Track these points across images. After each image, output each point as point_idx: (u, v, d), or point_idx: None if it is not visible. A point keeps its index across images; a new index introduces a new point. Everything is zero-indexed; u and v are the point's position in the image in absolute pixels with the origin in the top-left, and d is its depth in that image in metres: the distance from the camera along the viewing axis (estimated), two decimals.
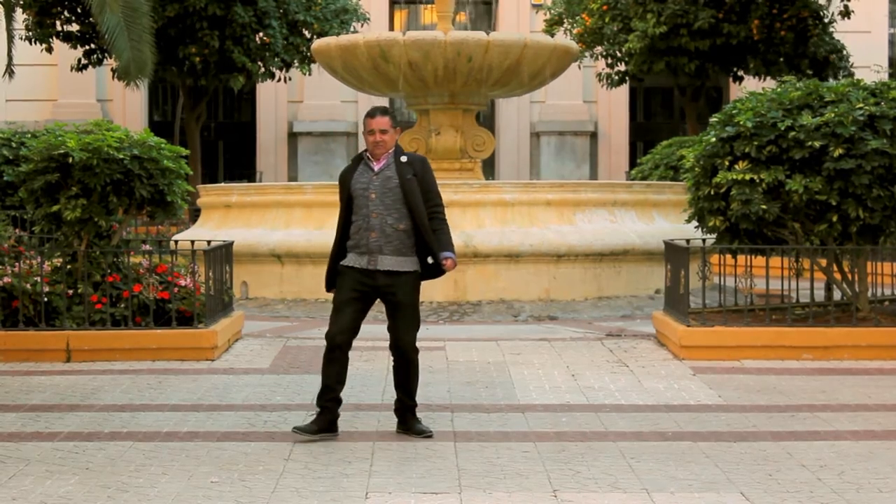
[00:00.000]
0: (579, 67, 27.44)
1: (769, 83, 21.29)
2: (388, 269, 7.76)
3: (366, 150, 7.94)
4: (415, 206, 7.74)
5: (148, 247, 12.41)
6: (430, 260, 7.83)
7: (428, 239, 7.77)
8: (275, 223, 15.44)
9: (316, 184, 16.76)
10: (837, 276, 12.00)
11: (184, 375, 10.33)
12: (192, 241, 12.20)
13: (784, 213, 11.41)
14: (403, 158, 7.84)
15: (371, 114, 7.92)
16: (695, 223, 12.20)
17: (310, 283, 14.48)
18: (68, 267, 11.56)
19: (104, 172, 11.30)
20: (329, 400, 7.78)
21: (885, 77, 20.19)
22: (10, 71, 16.89)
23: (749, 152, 11.29)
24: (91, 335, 11.17)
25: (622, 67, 25.88)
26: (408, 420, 7.95)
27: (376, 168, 7.84)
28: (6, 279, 11.40)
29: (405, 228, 7.77)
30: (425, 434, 7.82)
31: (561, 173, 29.99)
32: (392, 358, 7.99)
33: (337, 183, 8.19)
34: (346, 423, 8.21)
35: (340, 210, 7.93)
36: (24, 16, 23.95)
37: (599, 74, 26.66)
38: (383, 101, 29.63)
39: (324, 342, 7.91)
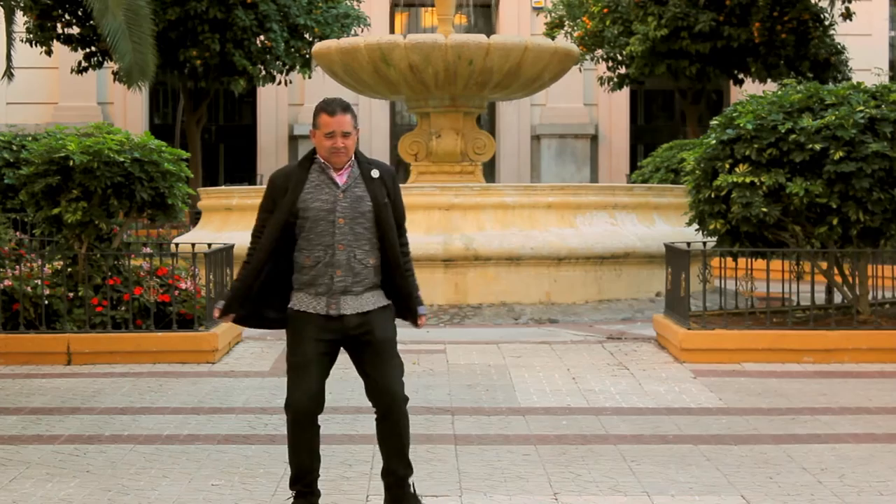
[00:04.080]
0: (580, 70, 27.45)
1: (769, 86, 21.28)
2: (355, 311, 5.97)
3: (315, 154, 6.05)
4: (389, 241, 5.99)
5: (148, 250, 12.41)
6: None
7: (403, 284, 6.06)
8: None
9: None
10: (838, 278, 12.00)
11: (184, 378, 10.33)
12: (193, 244, 12.20)
13: (784, 216, 11.41)
14: (375, 173, 6.00)
15: (329, 109, 5.95)
16: (695, 226, 12.20)
17: None
18: (69, 270, 11.56)
19: (105, 175, 11.31)
20: (307, 484, 6.09)
21: (885, 80, 20.19)
22: (9, 73, 16.90)
23: (749, 155, 11.29)
24: (92, 338, 11.17)
25: (623, 70, 25.88)
26: (404, 500, 6.14)
27: (341, 182, 5.97)
28: (7, 282, 11.41)
29: (375, 264, 5.99)
30: None
31: (561, 176, 29.99)
32: (375, 414, 6.08)
33: None
34: (346, 426, 8.21)
35: (267, 226, 6.01)
36: (25, 18, 23.95)
37: (600, 77, 26.66)
38: (384, 105, 29.68)
39: None
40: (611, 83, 26.27)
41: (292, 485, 6.10)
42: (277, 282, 6.02)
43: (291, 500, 6.14)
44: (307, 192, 5.95)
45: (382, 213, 5.96)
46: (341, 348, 6.08)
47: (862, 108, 11.22)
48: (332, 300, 5.94)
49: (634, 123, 31.73)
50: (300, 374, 5.96)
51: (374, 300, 6.01)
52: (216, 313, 6.14)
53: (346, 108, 5.96)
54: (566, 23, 26.32)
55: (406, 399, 6.03)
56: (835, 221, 11.28)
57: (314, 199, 5.94)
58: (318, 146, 5.99)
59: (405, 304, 6.09)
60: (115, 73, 22.40)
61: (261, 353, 11.72)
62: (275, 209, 6.00)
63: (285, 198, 5.96)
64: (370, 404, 6.02)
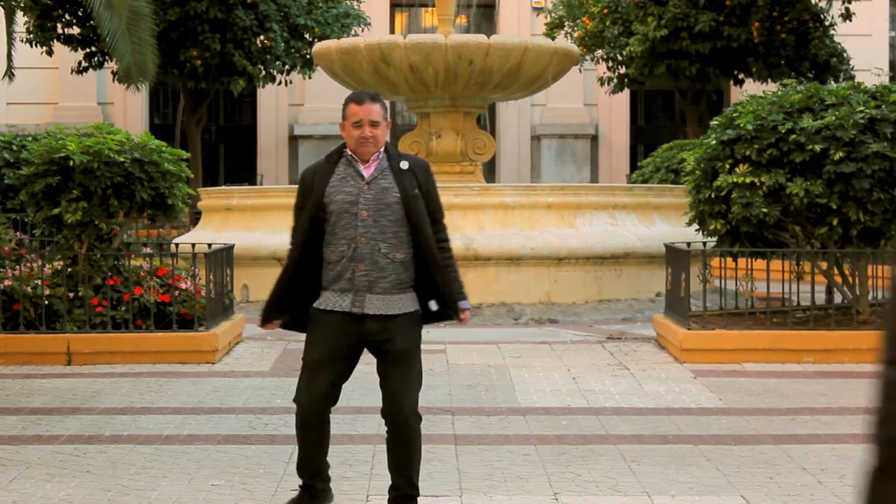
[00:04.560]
0: (580, 71, 27.44)
1: (770, 86, 21.29)
2: (379, 312, 5.77)
3: (344, 147, 5.90)
4: (423, 233, 5.76)
5: (148, 250, 12.41)
6: (433, 306, 5.92)
7: (440, 280, 5.81)
8: (276, 226, 15.43)
9: None
10: (838, 279, 12.00)
11: (184, 378, 10.33)
12: (193, 244, 12.21)
13: (785, 217, 11.41)
14: (404, 164, 5.81)
15: (357, 99, 5.83)
16: (695, 226, 12.20)
17: None
18: (69, 270, 11.56)
19: (105, 175, 11.31)
20: (313, 476, 6.09)
21: (885, 80, 20.20)
22: (10, 73, 16.90)
23: (750, 155, 11.30)
24: (92, 338, 11.17)
25: (623, 70, 25.89)
26: None
27: (367, 174, 5.79)
28: (7, 282, 11.41)
29: (403, 259, 5.76)
30: None
31: (561, 176, 29.99)
32: (385, 428, 5.98)
33: None
34: (347, 426, 8.21)
35: (299, 224, 5.94)
36: (25, 18, 23.96)
37: (600, 78, 26.67)
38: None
39: None
40: (611, 83, 26.26)
41: (298, 472, 6.12)
42: (316, 281, 5.85)
43: (297, 490, 6.18)
44: (332, 186, 5.79)
45: (411, 203, 5.74)
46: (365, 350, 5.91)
47: (862, 108, 11.23)
48: (357, 297, 5.73)
49: (634, 123, 31.73)
50: (312, 374, 5.84)
51: (401, 304, 5.79)
52: (258, 321, 5.98)
53: (374, 97, 5.85)
54: (566, 23, 26.32)
55: (417, 416, 5.85)
56: (835, 222, 11.28)
57: (338, 191, 5.77)
58: (346, 137, 5.85)
59: (444, 298, 5.85)
60: (114, 73, 22.40)
61: (261, 354, 11.72)
62: (304, 206, 5.89)
63: (313, 193, 5.83)
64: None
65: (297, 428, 5.98)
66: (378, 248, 5.72)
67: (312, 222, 5.81)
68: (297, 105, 30.44)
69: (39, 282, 11.42)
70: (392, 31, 30.81)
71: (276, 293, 5.92)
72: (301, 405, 5.89)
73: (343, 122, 5.87)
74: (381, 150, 5.84)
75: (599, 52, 25.86)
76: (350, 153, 5.84)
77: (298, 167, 30.35)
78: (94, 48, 24.70)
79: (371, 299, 5.74)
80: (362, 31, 25.40)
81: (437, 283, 5.82)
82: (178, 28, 23.50)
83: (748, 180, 11.22)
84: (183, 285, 11.67)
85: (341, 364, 5.85)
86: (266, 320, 5.95)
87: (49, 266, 11.81)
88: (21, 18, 23.08)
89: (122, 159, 11.34)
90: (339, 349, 5.80)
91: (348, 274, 5.74)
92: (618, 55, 25.35)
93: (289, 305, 5.91)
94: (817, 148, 11.13)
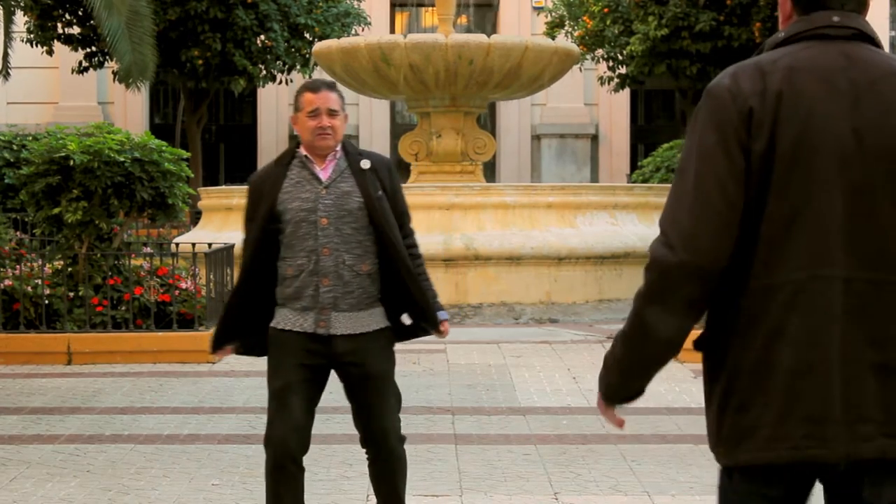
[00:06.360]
0: (580, 70, 27.43)
1: None
2: (348, 332, 5.11)
3: (297, 148, 5.24)
4: (390, 240, 5.11)
5: (149, 249, 12.41)
6: (406, 319, 5.19)
7: (415, 290, 5.14)
8: None
9: None
10: None
11: (185, 378, 10.34)
12: (193, 244, 12.20)
13: None
14: (365, 164, 5.14)
15: (313, 87, 5.17)
16: None
17: None
18: (69, 269, 11.57)
19: (105, 175, 11.31)
20: None
21: None
22: (6, 73, 16.90)
23: None
24: (92, 338, 11.18)
25: (623, 70, 25.90)
26: None
27: (324, 177, 5.13)
28: (7, 282, 11.41)
29: (370, 271, 5.10)
30: None
31: (562, 176, 29.98)
32: (367, 456, 5.31)
33: None
34: (346, 426, 8.19)
35: (249, 237, 5.22)
36: (25, 18, 23.96)
37: (601, 77, 26.68)
38: (384, 105, 29.69)
39: None
40: (611, 82, 26.27)
41: None
42: (271, 299, 5.21)
43: None
44: (285, 192, 5.12)
45: (376, 208, 5.07)
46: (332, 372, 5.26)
47: None
48: (322, 317, 5.07)
49: (634, 123, 31.71)
50: (283, 403, 5.08)
51: (370, 321, 5.13)
52: (209, 347, 5.44)
53: (331, 86, 5.19)
54: (567, 22, 26.32)
55: (402, 438, 5.23)
56: None
57: (293, 198, 5.10)
58: (301, 132, 5.15)
59: (420, 312, 5.18)
60: (114, 73, 22.40)
61: None
62: (255, 217, 5.20)
63: (263, 201, 5.17)
64: None
65: (268, 479, 5.08)
66: (342, 261, 5.06)
67: (264, 234, 5.12)
68: None
69: (40, 281, 11.43)
70: (392, 30, 30.80)
71: (226, 315, 5.32)
72: (275, 441, 5.05)
73: (296, 114, 5.20)
74: (339, 147, 5.19)
75: (600, 52, 25.85)
76: (304, 154, 5.17)
77: None
78: (94, 48, 24.69)
79: (337, 317, 5.08)
80: (363, 30, 25.39)
81: (411, 295, 5.14)
82: (178, 28, 23.49)
83: None
84: (183, 285, 11.67)
85: (310, 388, 5.14)
86: (216, 346, 5.34)
87: (49, 266, 11.82)
88: (21, 18, 23.07)
89: (122, 159, 11.34)
90: (306, 371, 5.12)
91: (310, 290, 5.07)
92: (618, 54, 25.35)
93: (242, 328, 5.30)
94: None
